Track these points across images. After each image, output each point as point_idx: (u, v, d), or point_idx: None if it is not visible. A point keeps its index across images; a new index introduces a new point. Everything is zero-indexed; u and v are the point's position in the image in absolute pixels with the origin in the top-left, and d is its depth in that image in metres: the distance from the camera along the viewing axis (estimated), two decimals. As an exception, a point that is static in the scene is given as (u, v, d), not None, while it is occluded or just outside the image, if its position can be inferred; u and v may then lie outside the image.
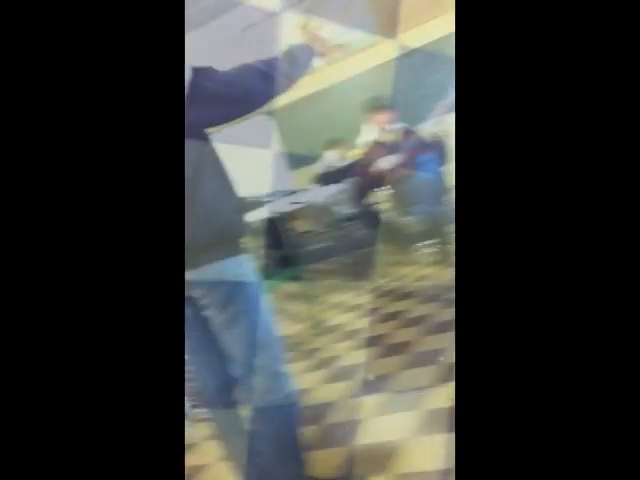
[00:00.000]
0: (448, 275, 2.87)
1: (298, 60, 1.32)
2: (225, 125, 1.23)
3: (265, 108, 1.27)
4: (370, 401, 1.85)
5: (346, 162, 3.95)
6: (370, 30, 4.87)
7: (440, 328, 2.34)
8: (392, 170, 2.86)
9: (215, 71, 1.21)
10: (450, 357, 1.89)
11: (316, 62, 1.41)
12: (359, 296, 3.37)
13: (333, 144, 4.57)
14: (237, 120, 1.24)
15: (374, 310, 2.96)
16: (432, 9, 4.64)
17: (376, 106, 2.99)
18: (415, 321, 2.55)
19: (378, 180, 2.93)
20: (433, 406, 1.66)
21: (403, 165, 2.87)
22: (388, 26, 4.84)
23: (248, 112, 1.25)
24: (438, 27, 4.47)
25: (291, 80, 1.30)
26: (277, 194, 3.95)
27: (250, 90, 1.21)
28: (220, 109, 1.20)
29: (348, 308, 3.19)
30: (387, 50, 4.85)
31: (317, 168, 4.36)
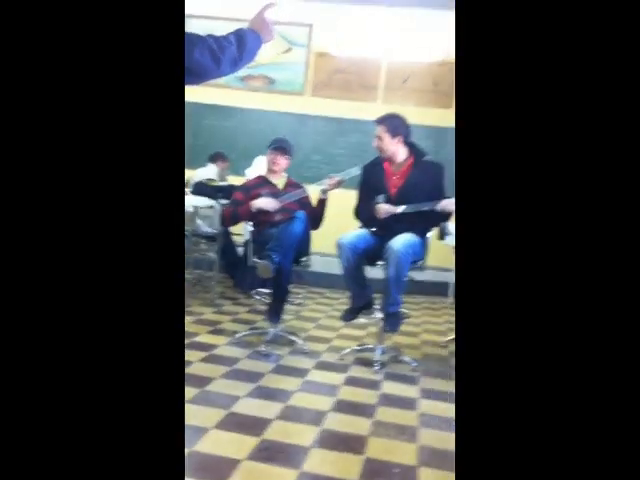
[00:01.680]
0: (267, 327, 2.84)
1: (247, 46, 1.31)
2: None
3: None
4: None
5: (226, 183, 3.87)
6: (299, 81, 5.02)
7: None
8: (267, 212, 2.84)
9: None
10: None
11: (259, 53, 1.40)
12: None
13: (217, 158, 4.49)
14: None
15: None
16: (365, 95, 4.94)
17: (279, 148, 2.99)
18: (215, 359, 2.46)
19: (249, 215, 2.87)
20: None
21: (278, 212, 2.86)
22: (316, 88, 5.03)
23: (189, 84, 1.23)
24: (366, 110, 4.72)
25: (235, 66, 1.30)
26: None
27: (198, 65, 1.21)
28: None
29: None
30: (311, 106, 5.01)
31: (195, 175, 4.21)
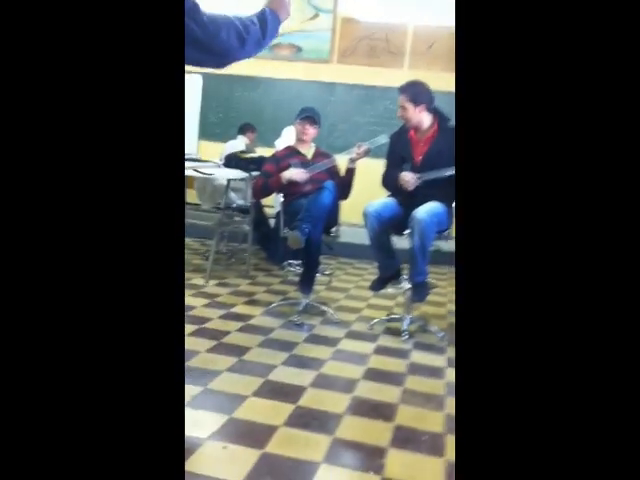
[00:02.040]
0: (300, 298, 2.94)
1: (268, 26, 1.32)
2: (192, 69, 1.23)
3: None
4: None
5: (256, 154, 3.91)
6: (326, 48, 4.96)
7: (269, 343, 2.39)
8: (297, 183, 2.88)
9: (199, 11, 1.19)
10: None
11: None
12: (213, 286, 3.33)
13: (247, 129, 4.52)
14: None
15: (217, 302, 2.94)
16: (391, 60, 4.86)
17: (308, 117, 3.00)
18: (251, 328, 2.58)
19: (280, 187, 2.92)
20: None
21: (308, 183, 2.90)
22: (343, 55, 4.96)
23: (216, 66, 1.28)
24: (393, 76, 4.65)
25: (259, 46, 1.32)
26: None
27: (224, 46, 1.23)
28: (194, 53, 1.19)
29: (197, 292, 3.13)
30: (338, 73, 4.96)
31: (225, 148, 4.26)
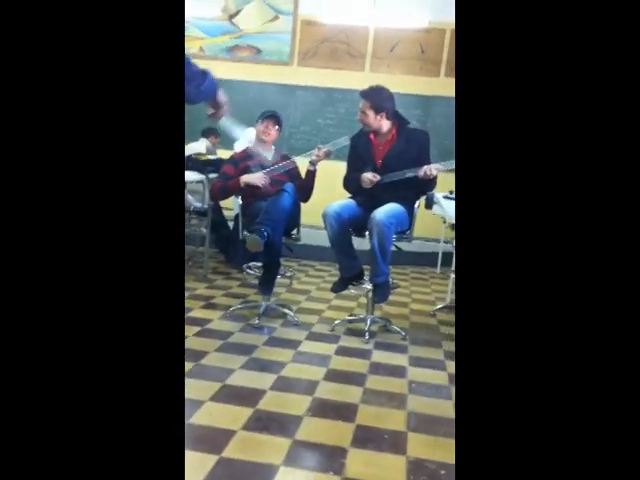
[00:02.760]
0: (260, 300, 2.88)
1: (206, 82, 1.33)
2: None
3: None
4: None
5: (214, 156, 3.84)
6: (286, 51, 4.94)
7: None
8: (256, 186, 2.83)
9: None
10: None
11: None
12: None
13: (210, 133, 4.45)
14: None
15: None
16: (352, 63, 4.89)
17: (272, 116, 2.96)
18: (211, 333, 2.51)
19: (239, 189, 2.87)
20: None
21: (268, 184, 2.86)
22: (303, 58, 4.96)
23: None
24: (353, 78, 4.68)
25: (199, 92, 1.32)
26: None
27: None
28: None
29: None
30: (298, 76, 4.95)
31: (186, 149, 4.18)
